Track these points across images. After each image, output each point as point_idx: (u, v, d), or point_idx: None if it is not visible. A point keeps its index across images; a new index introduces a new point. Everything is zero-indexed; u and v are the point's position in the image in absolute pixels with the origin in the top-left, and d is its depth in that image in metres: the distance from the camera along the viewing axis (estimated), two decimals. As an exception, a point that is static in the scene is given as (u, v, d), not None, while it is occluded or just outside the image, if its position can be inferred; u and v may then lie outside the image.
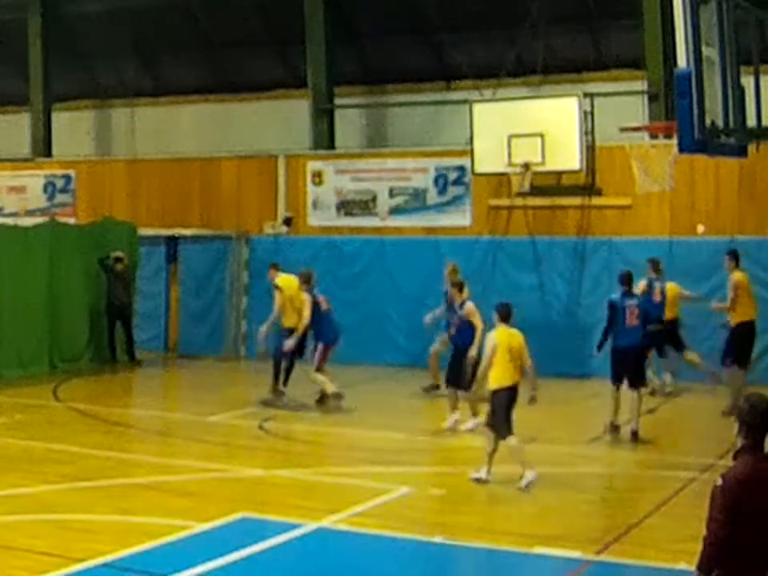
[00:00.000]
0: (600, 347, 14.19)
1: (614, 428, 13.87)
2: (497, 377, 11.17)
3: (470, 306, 14.42)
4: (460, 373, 14.04)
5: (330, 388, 15.93)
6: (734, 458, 5.59)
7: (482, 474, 11.27)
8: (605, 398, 17.28)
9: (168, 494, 10.81)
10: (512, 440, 11.19)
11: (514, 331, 11.36)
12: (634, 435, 13.63)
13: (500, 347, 11.11)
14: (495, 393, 11.19)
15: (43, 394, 16.89)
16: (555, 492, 11.23)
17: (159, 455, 12.77)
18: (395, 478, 11.55)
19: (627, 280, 14.21)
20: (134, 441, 13.88)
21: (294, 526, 9.51)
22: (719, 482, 5.44)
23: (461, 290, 14.79)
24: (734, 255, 15.71)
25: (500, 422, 11.14)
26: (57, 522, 9.57)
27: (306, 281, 16.07)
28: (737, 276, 15.36)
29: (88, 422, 14.95)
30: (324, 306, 16.13)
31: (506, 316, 11.41)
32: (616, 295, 14.17)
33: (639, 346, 14.06)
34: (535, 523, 9.96)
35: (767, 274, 18.11)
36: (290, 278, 16.31)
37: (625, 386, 13.83)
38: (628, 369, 13.85)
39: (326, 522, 9.72)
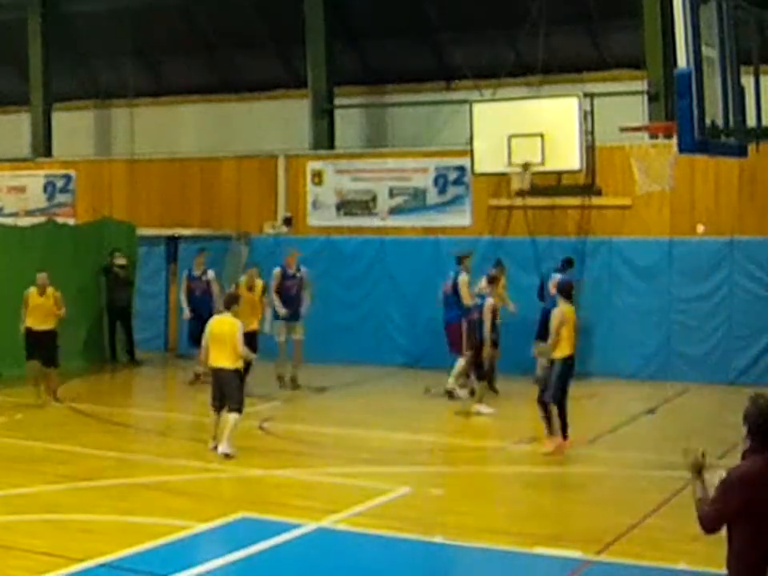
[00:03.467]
0: None
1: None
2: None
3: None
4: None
5: None
6: (743, 457, 5.65)
7: (225, 449, 12.48)
8: (605, 398, 17.34)
9: (168, 493, 10.81)
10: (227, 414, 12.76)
11: (229, 320, 12.79)
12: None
13: (210, 333, 12.84)
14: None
15: (43, 394, 16.85)
16: (555, 492, 11.23)
17: (159, 455, 12.74)
18: (395, 478, 11.55)
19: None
20: (134, 441, 13.86)
21: (293, 526, 9.50)
22: (723, 475, 5.51)
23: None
24: None
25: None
26: (57, 521, 9.56)
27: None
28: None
29: (88, 422, 14.95)
30: None
31: (227, 304, 13.12)
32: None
33: None
34: (535, 523, 9.95)
35: (767, 274, 18.10)
36: None
37: None
38: None
39: (326, 522, 9.72)
